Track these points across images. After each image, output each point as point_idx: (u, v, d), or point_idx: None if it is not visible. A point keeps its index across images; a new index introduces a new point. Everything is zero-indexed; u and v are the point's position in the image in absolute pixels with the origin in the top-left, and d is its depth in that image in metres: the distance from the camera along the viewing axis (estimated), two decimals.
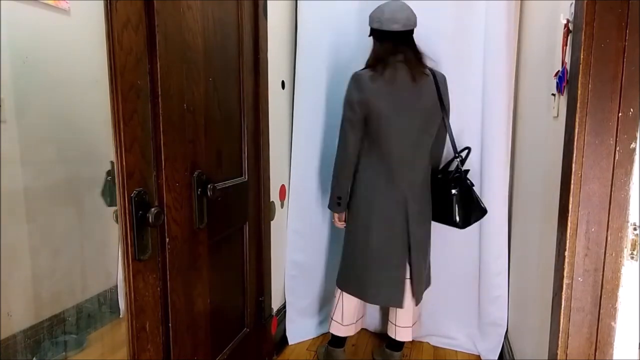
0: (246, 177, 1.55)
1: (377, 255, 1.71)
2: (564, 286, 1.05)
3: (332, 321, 1.84)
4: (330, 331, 1.86)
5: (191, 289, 1.16)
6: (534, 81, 1.67)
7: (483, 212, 1.73)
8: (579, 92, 1.00)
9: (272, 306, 1.92)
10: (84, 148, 1.13)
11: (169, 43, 1.00)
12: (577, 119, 1.01)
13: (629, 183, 0.99)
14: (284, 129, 2.03)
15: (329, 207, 1.82)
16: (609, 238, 1.01)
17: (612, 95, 0.98)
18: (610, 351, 1.04)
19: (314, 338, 2.15)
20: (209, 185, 1.18)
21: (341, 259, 1.85)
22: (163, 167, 1.00)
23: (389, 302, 1.76)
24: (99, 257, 1.23)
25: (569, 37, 1.14)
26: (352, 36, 2.02)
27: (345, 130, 1.68)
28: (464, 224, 1.71)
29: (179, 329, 1.11)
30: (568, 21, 1.14)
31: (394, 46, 1.63)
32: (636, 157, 0.98)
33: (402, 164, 1.67)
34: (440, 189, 1.76)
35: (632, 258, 1.01)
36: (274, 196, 1.92)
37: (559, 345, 1.07)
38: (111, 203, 0.99)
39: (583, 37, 0.98)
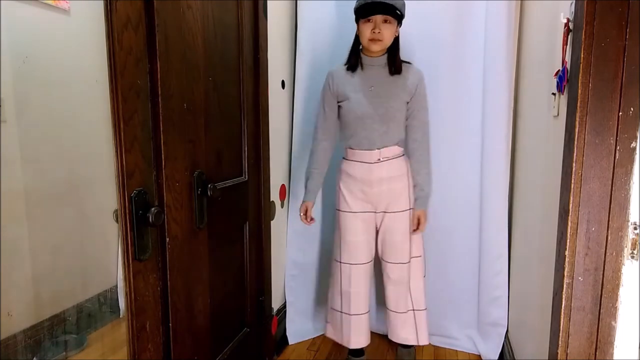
0: (246, 176, 1.55)
1: None
2: (565, 285, 1.05)
3: None
4: None
5: (191, 289, 1.16)
6: (534, 80, 1.67)
7: None
8: (579, 91, 1.00)
9: (273, 306, 1.92)
10: (84, 148, 1.13)
11: (169, 43, 1.00)
12: (577, 118, 1.01)
13: (629, 182, 0.99)
14: (284, 129, 2.03)
15: None
16: (609, 237, 1.01)
17: (612, 95, 0.98)
18: (611, 351, 1.04)
19: (314, 338, 2.15)
20: (209, 185, 1.18)
21: None
22: (163, 166, 1.00)
23: None
24: (99, 257, 1.23)
25: (569, 37, 1.14)
26: (352, 36, 2.02)
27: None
28: None
29: (179, 329, 1.11)
30: (568, 20, 1.14)
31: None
32: (636, 157, 0.98)
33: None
34: None
35: (632, 257, 1.00)
36: (274, 196, 1.92)
37: (560, 345, 1.07)
38: None
39: (583, 37, 0.98)
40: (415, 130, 1.75)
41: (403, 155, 1.78)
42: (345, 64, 1.75)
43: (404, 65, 1.71)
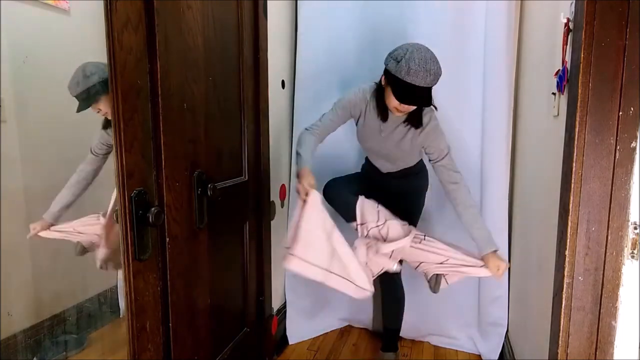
0: (246, 176, 1.55)
1: None
2: (565, 285, 1.05)
3: None
4: None
5: (191, 289, 1.16)
6: (534, 80, 1.67)
7: None
8: (580, 91, 1.00)
9: (273, 306, 1.92)
10: (84, 148, 1.13)
11: (169, 43, 1.00)
12: (577, 118, 1.01)
13: (630, 182, 0.99)
14: (284, 129, 2.03)
15: None
16: (609, 237, 1.01)
17: (612, 94, 0.98)
18: (611, 350, 1.04)
19: (314, 338, 2.15)
20: (209, 185, 1.18)
21: None
22: (163, 166, 1.00)
23: None
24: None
25: (569, 36, 1.14)
26: (352, 36, 2.02)
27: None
28: None
29: (179, 329, 1.11)
30: (568, 20, 1.14)
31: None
32: (636, 156, 0.98)
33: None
34: None
35: (632, 257, 1.00)
36: (274, 196, 1.92)
37: (560, 345, 1.07)
38: None
39: (583, 36, 0.98)
40: (445, 172, 1.58)
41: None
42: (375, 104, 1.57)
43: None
